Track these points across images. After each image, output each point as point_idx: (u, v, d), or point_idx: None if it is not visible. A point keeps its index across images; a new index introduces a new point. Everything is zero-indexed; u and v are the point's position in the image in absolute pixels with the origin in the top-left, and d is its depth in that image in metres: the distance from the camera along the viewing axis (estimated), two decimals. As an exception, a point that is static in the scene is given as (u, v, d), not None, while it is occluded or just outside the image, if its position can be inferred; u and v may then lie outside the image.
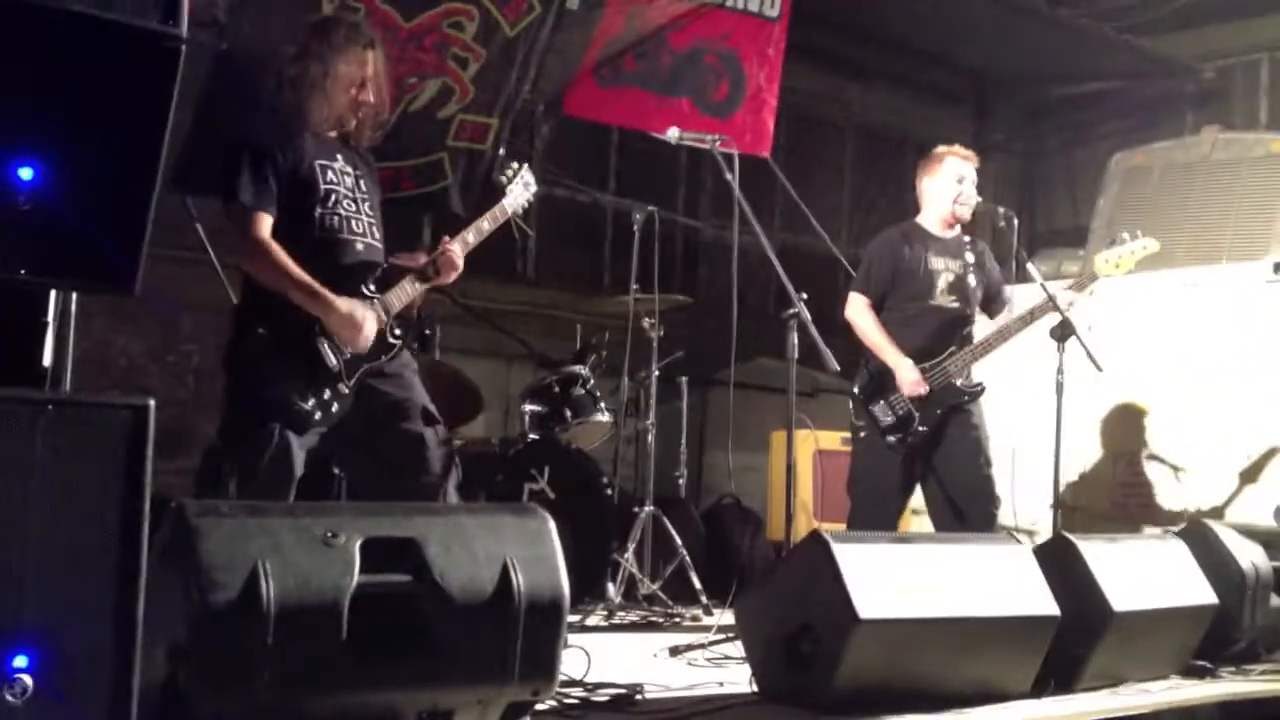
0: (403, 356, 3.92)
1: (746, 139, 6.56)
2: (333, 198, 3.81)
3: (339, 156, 3.89)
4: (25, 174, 2.01)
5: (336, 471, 4.59)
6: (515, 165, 4.24)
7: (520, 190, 4.18)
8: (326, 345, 3.71)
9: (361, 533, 2.50)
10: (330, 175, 3.83)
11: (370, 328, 3.76)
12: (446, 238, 3.99)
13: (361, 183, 3.92)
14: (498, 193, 4.18)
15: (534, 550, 2.67)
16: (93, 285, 2.21)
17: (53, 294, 2.34)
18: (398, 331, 3.87)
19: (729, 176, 4.30)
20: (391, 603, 2.50)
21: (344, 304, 3.72)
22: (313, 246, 3.75)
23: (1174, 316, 6.66)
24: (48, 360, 2.38)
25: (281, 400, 3.65)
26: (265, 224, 3.72)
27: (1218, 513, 6.30)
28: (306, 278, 3.69)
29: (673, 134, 4.58)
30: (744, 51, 6.61)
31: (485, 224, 4.08)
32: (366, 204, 3.91)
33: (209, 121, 5.16)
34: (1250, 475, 6.33)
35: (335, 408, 3.72)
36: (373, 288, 3.84)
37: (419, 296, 3.97)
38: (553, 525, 2.74)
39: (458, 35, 5.70)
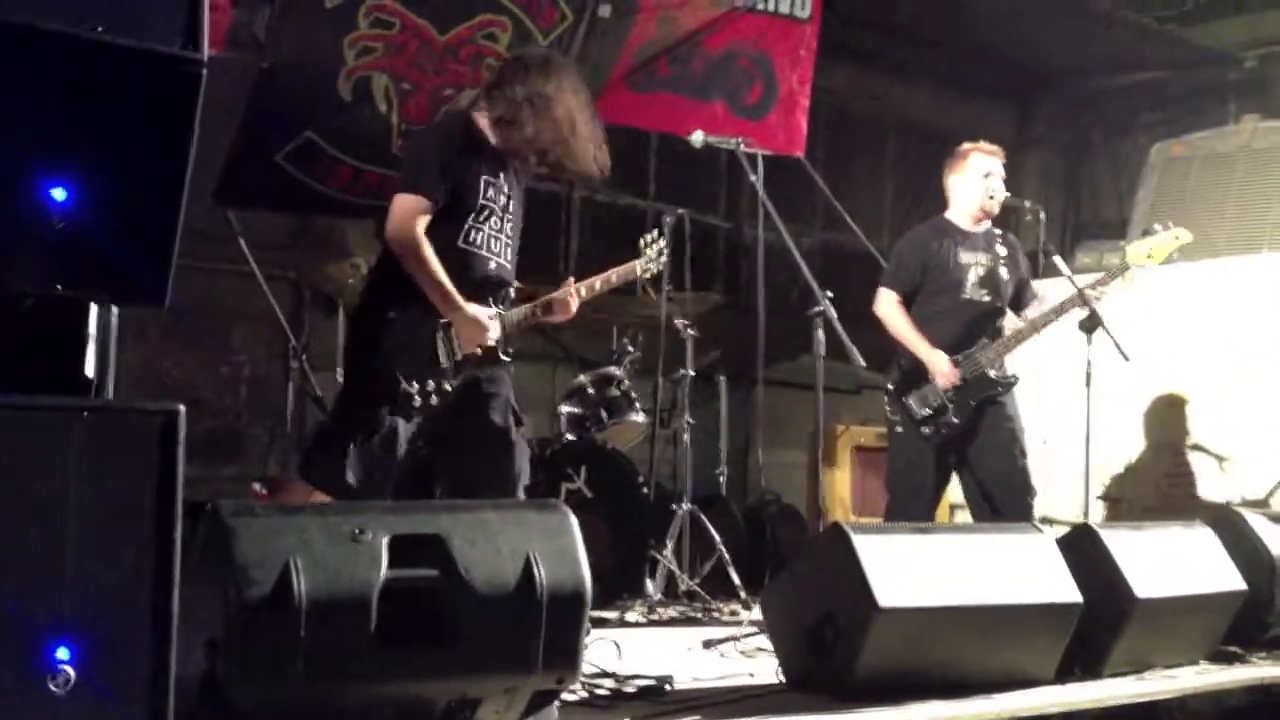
0: (507, 368, 4.13)
1: (780, 140, 6.63)
2: (485, 212, 4.01)
3: (502, 175, 4.08)
4: (59, 195, 2.11)
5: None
6: (656, 234, 4.52)
7: (653, 256, 4.43)
8: (443, 341, 3.92)
9: (388, 529, 2.61)
10: (491, 192, 4.03)
11: (495, 330, 3.97)
12: (572, 279, 4.21)
13: (512, 204, 4.12)
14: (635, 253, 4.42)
15: (556, 544, 2.76)
16: (124, 298, 2.32)
17: (94, 308, 2.47)
18: (510, 349, 4.07)
19: (752, 177, 4.39)
20: (419, 596, 2.59)
21: (471, 308, 3.92)
22: (453, 254, 3.94)
23: (1215, 306, 6.63)
24: (90, 371, 2.50)
25: (393, 386, 3.84)
26: (422, 219, 3.90)
27: (1264, 501, 6.27)
28: (445, 279, 3.88)
29: (697, 137, 4.67)
30: (776, 53, 6.67)
31: (613, 277, 4.30)
32: (510, 225, 4.11)
33: (251, 137, 5.33)
34: (1295, 463, 6.30)
35: (436, 400, 3.89)
36: (499, 306, 4.04)
37: (533, 321, 4.17)
38: (574, 520, 2.82)
39: (492, 46, 5.81)
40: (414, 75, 5.70)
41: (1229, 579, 4.02)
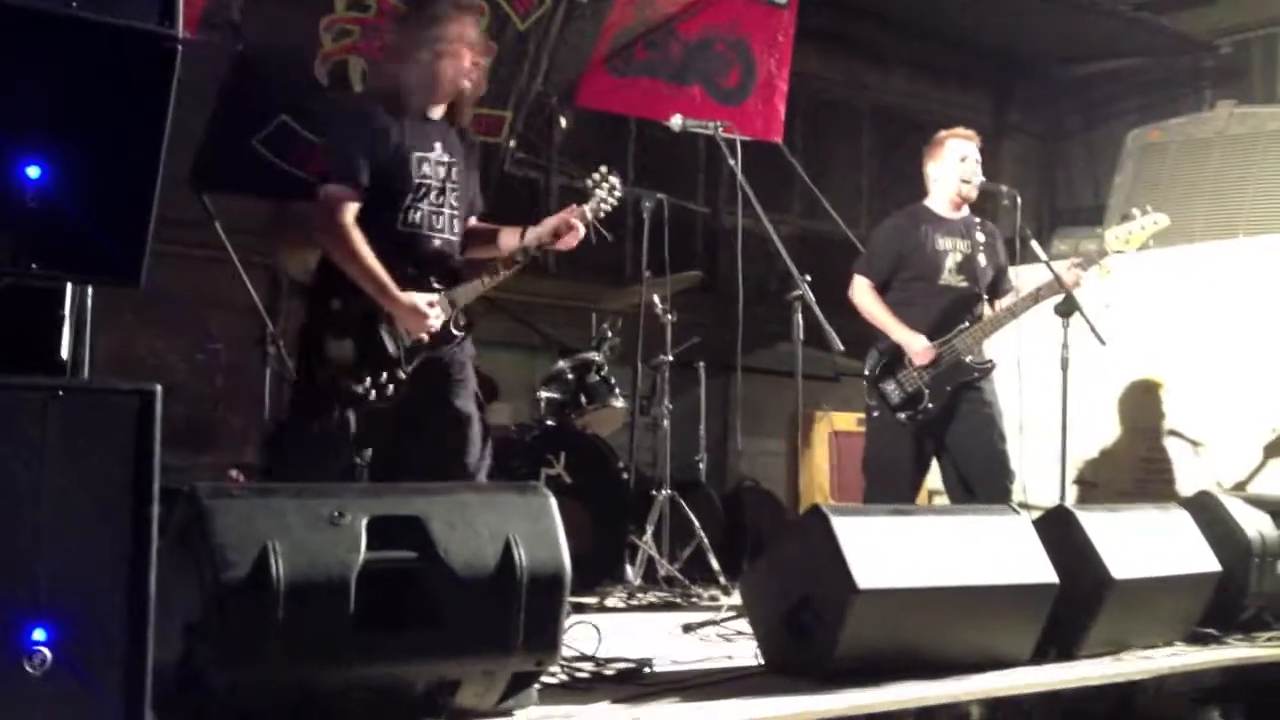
0: (465, 345, 4.06)
1: (758, 125, 6.63)
2: (421, 190, 3.93)
3: (437, 145, 3.99)
4: (33, 173, 2.09)
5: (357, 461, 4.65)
6: (604, 170, 4.29)
7: (605, 195, 4.24)
8: (387, 332, 3.86)
9: (367, 511, 2.59)
10: (425, 168, 3.95)
11: (435, 314, 3.89)
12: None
13: (454, 171, 4.03)
14: (583, 196, 4.26)
15: (536, 526, 2.75)
16: (99, 279, 2.30)
17: (69, 288, 2.45)
18: (462, 323, 4.00)
19: (731, 162, 4.38)
20: (397, 578, 2.58)
21: (406, 297, 3.85)
22: (393, 239, 3.89)
23: (1191, 291, 6.66)
24: (65, 352, 2.48)
25: (339, 382, 3.81)
26: (349, 209, 3.84)
27: (1240, 486, 6.30)
28: (377, 269, 3.81)
29: (676, 121, 4.65)
30: (754, 38, 6.67)
31: (553, 225, 4.15)
32: (454, 195, 4.02)
33: (226, 121, 5.29)
34: (1273, 448, 6.34)
35: (391, 390, 3.86)
36: (442, 283, 3.96)
37: (490, 287, 4.07)
38: (554, 502, 2.81)
39: (470, 30, 5.78)
40: (391, 59, 5.67)
41: (1205, 560, 4.04)
